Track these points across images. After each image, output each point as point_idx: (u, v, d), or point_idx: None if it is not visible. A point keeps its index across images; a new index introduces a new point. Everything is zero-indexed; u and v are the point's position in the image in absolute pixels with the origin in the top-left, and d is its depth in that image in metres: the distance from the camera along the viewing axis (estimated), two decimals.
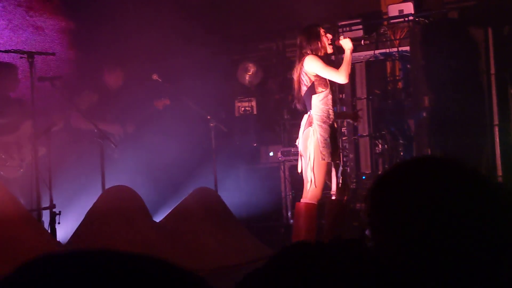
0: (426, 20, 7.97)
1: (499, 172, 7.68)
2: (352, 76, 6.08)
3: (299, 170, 5.92)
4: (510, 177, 7.53)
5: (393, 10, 8.24)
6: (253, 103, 9.27)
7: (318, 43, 5.84)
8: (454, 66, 7.88)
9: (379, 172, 8.02)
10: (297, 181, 6.33)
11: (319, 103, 5.78)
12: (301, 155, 5.88)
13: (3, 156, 6.47)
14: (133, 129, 7.73)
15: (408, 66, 8.19)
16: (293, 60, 6.20)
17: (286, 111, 8.98)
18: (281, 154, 8.49)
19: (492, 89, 7.87)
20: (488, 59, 7.87)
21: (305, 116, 5.86)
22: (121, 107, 7.56)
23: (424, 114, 7.84)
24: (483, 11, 8.18)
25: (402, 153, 8.00)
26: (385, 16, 8.63)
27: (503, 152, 7.73)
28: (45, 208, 5.99)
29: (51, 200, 6.05)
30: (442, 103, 7.81)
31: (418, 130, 7.80)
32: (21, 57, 5.98)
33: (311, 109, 5.80)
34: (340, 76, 5.77)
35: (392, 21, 8.20)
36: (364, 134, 8.12)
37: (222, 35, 9.60)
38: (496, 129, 7.83)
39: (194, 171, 8.08)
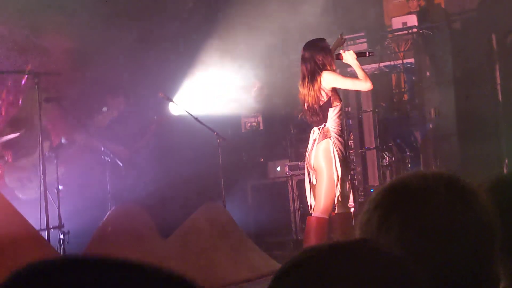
0: (430, 32, 7.98)
1: None
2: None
3: (314, 183, 5.76)
4: None
5: (396, 22, 8.27)
6: (259, 119, 9.28)
7: (329, 58, 5.70)
8: (459, 77, 7.89)
9: None
10: (305, 195, 6.31)
11: (335, 117, 5.67)
12: (312, 169, 5.75)
13: (21, 178, 6.53)
14: (141, 146, 7.75)
15: (413, 78, 8.20)
16: (298, 74, 6.04)
17: (293, 125, 8.98)
18: (288, 168, 8.47)
19: (498, 99, 7.87)
20: (493, 69, 7.87)
21: (315, 130, 5.74)
22: (124, 129, 7.59)
23: (430, 126, 7.84)
24: (486, 21, 8.19)
25: (409, 165, 7.99)
26: (389, 29, 8.66)
27: (510, 162, 7.71)
28: (54, 228, 6.00)
29: (60, 219, 6.06)
30: (448, 114, 7.81)
31: (424, 142, 7.79)
32: (27, 78, 6.01)
33: (326, 121, 5.68)
34: (365, 83, 5.65)
35: (396, 33, 8.22)
36: (371, 147, 8.12)
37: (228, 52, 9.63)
38: (503, 138, 7.82)
39: (201, 187, 8.09)
